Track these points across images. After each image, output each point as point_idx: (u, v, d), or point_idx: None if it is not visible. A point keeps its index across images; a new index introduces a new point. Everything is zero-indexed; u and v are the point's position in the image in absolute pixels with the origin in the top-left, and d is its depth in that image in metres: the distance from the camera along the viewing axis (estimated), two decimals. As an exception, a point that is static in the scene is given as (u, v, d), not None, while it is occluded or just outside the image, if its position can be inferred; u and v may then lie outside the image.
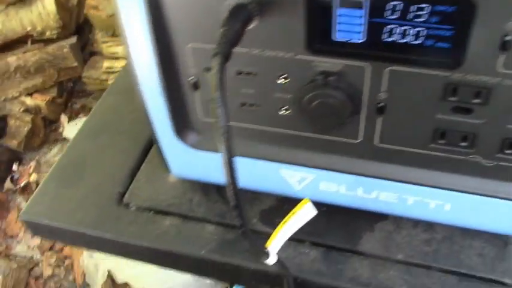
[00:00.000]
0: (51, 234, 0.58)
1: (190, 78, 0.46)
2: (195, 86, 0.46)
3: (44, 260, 1.62)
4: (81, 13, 2.10)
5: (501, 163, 0.44)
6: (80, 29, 2.12)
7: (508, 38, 0.35)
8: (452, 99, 0.40)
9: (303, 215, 0.45)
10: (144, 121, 0.50)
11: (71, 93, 2.11)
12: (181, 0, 0.40)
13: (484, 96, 0.39)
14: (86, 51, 2.16)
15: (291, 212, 0.45)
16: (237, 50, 0.39)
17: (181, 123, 0.49)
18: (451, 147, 0.44)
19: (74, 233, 0.55)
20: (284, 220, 0.45)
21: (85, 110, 2.08)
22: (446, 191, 0.46)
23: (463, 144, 0.43)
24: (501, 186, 0.45)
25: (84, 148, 0.63)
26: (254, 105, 0.46)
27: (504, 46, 0.36)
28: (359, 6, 0.37)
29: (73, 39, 1.99)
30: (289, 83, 0.43)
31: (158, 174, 0.59)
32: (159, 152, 0.53)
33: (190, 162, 0.52)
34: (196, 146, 0.51)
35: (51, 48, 1.96)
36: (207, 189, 0.57)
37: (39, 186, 0.60)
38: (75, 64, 1.99)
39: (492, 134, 0.42)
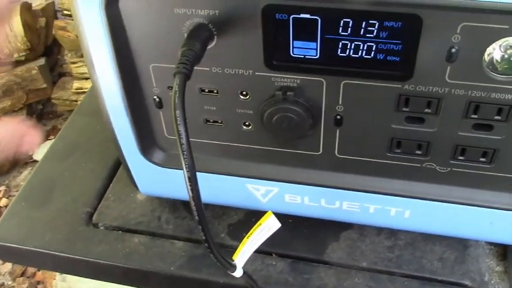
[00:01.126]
0: (20, 257, 0.58)
1: (154, 97, 0.47)
2: (159, 104, 0.47)
3: (15, 287, 1.59)
4: (49, 34, 2.09)
5: (454, 169, 0.46)
6: (49, 50, 2.11)
7: (453, 50, 0.37)
8: (405, 109, 0.42)
9: (267, 227, 0.46)
10: (111, 140, 0.51)
11: (40, 115, 2.09)
12: (143, 22, 0.41)
13: (434, 106, 0.41)
14: (55, 72, 2.15)
15: (256, 225, 0.47)
16: (199, 68, 0.41)
17: (147, 142, 0.50)
18: (407, 155, 0.46)
19: (43, 255, 0.55)
20: (249, 233, 0.46)
21: (55, 131, 2.06)
22: (405, 198, 0.48)
23: (418, 152, 0.45)
24: (456, 191, 0.47)
25: (52, 169, 0.63)
26: (217, 121, 0.47)
27: (450, 58, 0.38)
28: (313, 23, 0.39)
29: (42, 61, 1.98)
30: (251, 99, 0.45)
31: (126, 193, 0.60)
32: (127, 171, 0.54)
33: (158, 179, 0.53)
34: (162, 163, 0.51)
35: (19, 70, 1.95)
36: (175, 205, 0.58)
37: (7, 208, 0.60)
38: (45, 86, 1.98)
39: (444, 141, 0.44)
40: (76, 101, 1.97)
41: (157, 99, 0.47)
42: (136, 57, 0.44)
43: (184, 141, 0.37)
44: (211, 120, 0.48)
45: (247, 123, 0.47)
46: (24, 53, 1.93)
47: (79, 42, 0.44)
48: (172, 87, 0.37)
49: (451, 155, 0.45)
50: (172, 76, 0.38)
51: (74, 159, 0.64)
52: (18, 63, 1.96)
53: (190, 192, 0.38)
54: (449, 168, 0.46)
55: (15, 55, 1.94)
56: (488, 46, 0.37)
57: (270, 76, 0.43)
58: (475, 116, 0.41)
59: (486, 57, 0.38)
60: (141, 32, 0.42)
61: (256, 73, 0.43)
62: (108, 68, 0.44)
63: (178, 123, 0.37)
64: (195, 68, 0.39)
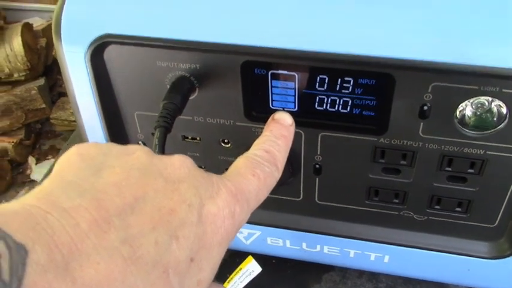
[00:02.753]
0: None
1: (139, 142, 0.48)
2: (144, 149, 0.48)
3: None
4: (49, 54, 2.11)
5: (431, 218, 0.46)
6: (49, 70, 2.13)
7: (425, 107, 0.39)
8: (382, 161, 0.43)
9: (248, 272, 0.47)
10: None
11: (39, 135, 2.11)
12: (127, 73, 0.43)
13: (409, 159, 0.42)
14: (55, 92, 2.17)
15: (236, 270, 0.47)
16: (181, 117, 0.42)
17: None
18: (385, 203, 0.46)
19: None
20: (229, 278, 0.47)
21: (53, 151, 2.08)
22: (384, 245, 0.49)
23: (396, 201, 0.46)
24: (433, 239, 0.48)
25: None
26: (200, 166, 0.48)
27: (423, 115, 0.39)
28: (291, 79, 0.40)
29: (41, 81, 2.01)
30: (232, 147, 0.46)
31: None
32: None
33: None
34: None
35: (18, 90, 1.97)
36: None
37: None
38: (43, 106, 2.00)
39: (421, 191, 0.45)
40: (74, 121, 1.99)
41: (142, 145, 0.48)
42: (121, 105, 0.45)
43: (162, 193, 0.38)
44: (194, 165, 0.49)
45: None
46: (24, 73, 1.96)
47: (65, 87, 0.45)
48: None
49: (427, 204, 0.45)
50: (155, 122, 0.39)
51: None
52: (17, 82, 1.98)
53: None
54: (426, 217, 0.47)
55: (15, 75, 1.96)
56: (460, 104, 0.38)
57: (251, 126, 0.44)
58: (449, 169, 0.42)
59: (458, 114, 0.39)
60: (125, 82, 0.44)
61: (237, 123, 0.44)
62: (94, 115, 0.45)
63: (156, 176, 0.38)
64: (178, 116, 0.40)
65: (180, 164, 0.31)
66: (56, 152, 2.07)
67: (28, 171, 1.99)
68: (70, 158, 0.30)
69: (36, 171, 1.97)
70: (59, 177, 0.28)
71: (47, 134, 2.13)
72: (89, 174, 0.28)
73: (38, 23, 2.16)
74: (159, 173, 0.29)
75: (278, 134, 0.38)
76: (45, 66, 2.10)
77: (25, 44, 1.92)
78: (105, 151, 0.30)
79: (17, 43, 1.91)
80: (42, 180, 0.65)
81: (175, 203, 0.28)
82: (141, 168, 0.29)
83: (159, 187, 0.28)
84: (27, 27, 1.99)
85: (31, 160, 2.01)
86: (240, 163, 0.35)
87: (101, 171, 0.28)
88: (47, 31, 2.12)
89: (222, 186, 0.31)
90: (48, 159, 2.03)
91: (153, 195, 0.28)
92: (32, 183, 1.94)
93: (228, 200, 0.31)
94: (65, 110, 2.04)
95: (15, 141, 1.94)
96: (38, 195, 0.26)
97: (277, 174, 0.36)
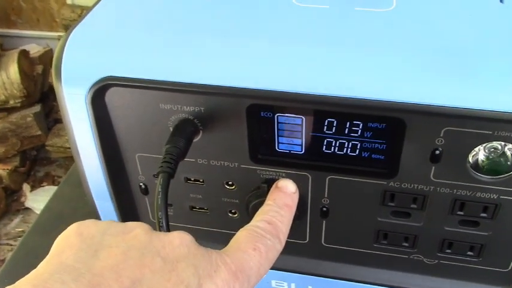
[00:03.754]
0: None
1: (140, 184, 0.47)
2: (145, 191, 0.47)
3: None
4: (45, 81, 2.11)
5: (442, 261, 0.45)
6: (45, 96, 2.12)
7: (437, 152, 0.38)
8: (391, 204, 0.42)
9: (253, 318, 0.45)
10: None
11: (34, 162, 2.09)
12: (128, 115, 0.42)
13: (420, 202, 0.41)
14: (51, 118, 2.16)
15: (241, 316, 0.46)
16: (184, 159, 0.40)
17: (132, 226, 0.50)
18: (394, 247, 0.45)
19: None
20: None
21: (49, 177, 2.06)
22: (393, 289, 0.47)
23: (405, 244, 0.45)
24: (444, 283, 0.46)
25: (37, 243, 0.62)
26: (203, 208, 0.47)
27: (434, 159, 0.38)
28: (297, 122, 0.39)
29: (37, 108, 1.99)
30: (236, 190, 0.44)
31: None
32: (111, 252, 0.53)
33: (143, 261, 0.52)
34: (147, 246, 0.51)
35: (14, 117, 1.95)
36: None
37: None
38: (39, 133, 1.98)
39: (431, 235, 0.43)
40: (70, 148, 1.97)
41: (143, 186, 0.47)
42: (122, 147, 0.44)
43: (166, 242, 0.36)
44: (197, 207, 0.47)
45: (233, 211, 0.47)
46: (20, 100, 1.95)
47: (65, 129, 0.44)
48: (157, 175, 0.37)
49: (438, 248, 0.44)
50: (158, 167, 0.38)
51: (60, 232, 0.63)
52: (13, 109, 1.97)
53: None
54: (436, 261, 0.45)
55: (11, 102, 1.95)
56: (472, 148, 0.37)
57: (256, 169, 0.42)
58: (461, 213, 0.41)
59: (470, 159, 0.38)
60: (127, 124, 0.42)
61: (242, 166, 0.43)
62: (94, 156, 0.44)
63: (160, 225, 0.36)
64: (181, 159, 0.39)
65: (179, 242, 0.31)
66: (51, 179, 2.05)
67: (22, 199, 1.96)
68: (69, 237, 0.30)
69: (31, 198, 1.94)
70: (56, 260, 0.28)
71: (42, 160, 2.11)
72: (87, 256, 0.28)
73: (34, 49, 2.16)
74: (157, 253, 0.29)
75: (281, 203, 0.38)
76: (42, 93, 2.09)
77: (21, 71, 1.91)
78: (104, 229, 0.31)
79: (13, 70, 1.90)
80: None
81: (173, 284, 0.28)
82: (139, 247, 0.29)
83: (157, 268, 0.28)
84: (24, 54, 1.99)
85: (26, 187, 1.98)
86: (241, 237, 0.34)
87: (99, 251, 0.28)
88: (43, 58, 2.11)
89: (222, 263, 0.31)
90: (43, 186, 2.01)
91: (150, 277, 0.28)
92: (27, 211, 1.92)
93: (227, 278, 0.30)
94: (60, 136, 2.02)
95: (10, 168, 1.92)
96: (33, 281, 0.26)
97: (279, 247, 0.35)
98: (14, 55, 1.94)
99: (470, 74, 0.35)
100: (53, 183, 2.02)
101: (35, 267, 0.59)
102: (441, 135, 0.37)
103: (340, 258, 0.47)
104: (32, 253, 0.61)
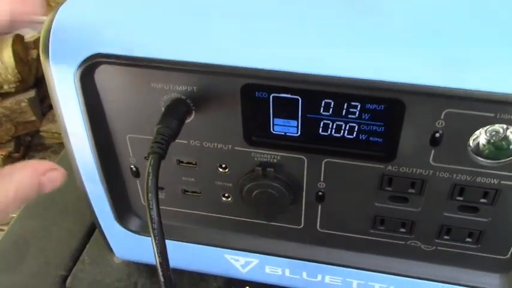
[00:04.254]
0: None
1: (131, 167, 0.45)
2: (136, 173, 0.46)
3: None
4: (40, 66, 2.08)
5: (440, 248, 0.44)
6: (39, 82, 2.10)
7: (437, 135, 0.36)
8: (389, 189, 0.41)
9: (245, 304, 0.45)
10: (86, 206, 0.49)
11: (28, 147, 2.07)
12: (119, 94, 0.40)
13: (418, 187, 0.40)
14: (45, 104, 2.13)
15: (233, 302, 0.45)
16: (176, 141, 0.39)
17: (123, 209, 0.49)
18: (391, 233, 0.44)
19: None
20: (227, 310, 0.44)
21: (43, 164, 2.04)
22: (389, 275, 0.46)
23: (402, 230, 0.44)
24: (441, 270, 0.45)
25: (26, 228, 0.61)
26: (196, 192, 0.46)
27: (434, 142, 0.37)
28: (293, 103, 0.38)
29: (32, 93, 1.97)
30: (230, 173, 0.43)
31: (103, 255, 0.58)
32: (102, 236, 0.52)
33: (134, 246, 0.51)
34: (139, 231, 0.50)
35: (8, 102, 1.93)
36: (152, 270, 0.56)
37: (-22, 271, 0.57)
38: (34, 118, 1.96)
39: (429, 221, 0.42)
40: (65, 134, 1.95)
41: (134, 169, 0.45)
42: (112, 128, 0.43)
43: (156, 225, 0.35)
44: (190, 191, 0.46)
45: (226, 194, 0.45)
46: (14, 85, 1.92)
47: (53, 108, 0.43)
48: (148, 157, 0.36)
49: (436, 234, 0.43)
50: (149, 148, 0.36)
51: (50, 217, 0.62)
52: (7, 94, 1.95)
53: (161, 278, 0.36)
54: (434, 247, 0.44)
55: (5, 87, 1.92)
56: (474, 131, 0.36)
57: (250, 151, 0.41)
58: (460, 198, 0.40)
59: (471, 142, 0.37)
60: (117, 104, 0.41)
61: (236, 148, 0.41)
62: (83, 137, 0.43)
63: (150, 207, 0.35)
64: (173, 140, 0.38)
65: None
66: (45, 165, 2.03)
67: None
68: None
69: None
70: None
71: (37, 146, 2.09)
72: None
73: (29, 34, 2.13)
74: None
75: None
76: (36, 78, 2.06)
77: (16, 56, 1.89)
78: None
79: (7, 55, 1.87)
80: None
81: None
82: None
83: None
84: (19, 38, 1.96)
85: (20, 173, 1.96)
86: None
87: None
88: (38, 43, 2.08)
89: None
90: (37, 172, 1.99)
91: None
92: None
93: None
94: (55, 122, 2.00)
95: (4, 154, 1.90)
96: None
97: None
98: (8, 40, 1.91)
99: (472, 54, 0.34)
100: (48, 169, 2.00)
101: (22, 253, 0.58)
102: (442, 117, 0.35)
103: (336, 244, 0.46)
104: (20, 239, 0.60)
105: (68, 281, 0.55)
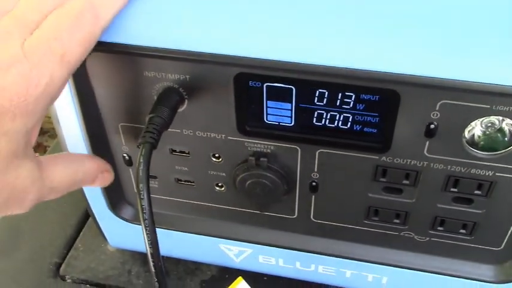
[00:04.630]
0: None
1: (123, 155, 0.45)
2: (129, 162, 0.45)
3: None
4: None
5: (433, 239, 0.44)
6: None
7: (432, 126, 0.36)
8: (383, 180, 0.41)
9: (238, 293, 0.44)
10: (79, 193, 0.49)
11: (25, 132, 2.05)
12: (111, 83, 0.40)
13: (413, 178, 0.40)
14: (42, 88, 2.12)
15: (226, 291, 0.45)
16: (169, 130, 0.39)
17: (116, 198, 0.48)
18: (385, 223, 0.44)
19: (5, 309, 0.53)
20: (219, 300, 0.44)
21: (40, 148, 2.03)
22: (382, 266, 0.46)
23: (396, 221, 0.43)
24: (435, 261, 0.45)
25: (20, 213, 0.61)
26: (189, 181, 0.46)
27: (429, 133, 0.36)
28: (287, 92, 0.37)
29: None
30: (223, 162, 0.43)
31: (97, 243, 0.57)
32: (96, 224, 0.52)
33: (127, 234, 0.51)
34: (132, 219, 0.49)
35: (4, 86, 1.92)
36: (146, 258, 0.55)
37: (-30, 258, 0.57)
38: (30, 102, 1.95)
39: (423, 212, 0.42)
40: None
41: (126, 157, 0.45)
42: (104, 116, 0.42)
43: (147, 216, 0.35)
44: (183, 180, 0.46)
45: (219, 184, 0.45)
46: (10, 69, 1.91)
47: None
48: (139, 146, 0.36)
49: (430, 226, 0.43)
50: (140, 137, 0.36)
51: (44, 203, 0.61)
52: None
53: (152, 268, 0.36)
54: (428, 238, 0.44)
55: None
56: (469, 123, 0.36)
57: (243, 141, 0.41)
58: (455, 190, 0.40)
59: (466, 134, 0.36)
60: (109, 92, 0.40)
61: (229, 137, 0.41)
62: (75, 126, 0.42)
63: (141, 197, 0.35)
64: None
65: None
66: (42, 149, 2.02)
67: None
68: None
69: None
70: None
71: (34, 131, 2.08)
72: None
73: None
74: None
75: None
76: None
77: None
78: None
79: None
80: None
81: None
82: None
83: None
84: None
85: (17, 158, 1.96)
86: None
87: None
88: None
89: None
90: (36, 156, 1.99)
91: None
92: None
93: None
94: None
95: (0, 138, 1.89)
96: None
97: None
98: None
99: (469, 44, 0.33)
100: (45, 153, 2.00)
101: (17, 238, 0.58)
102: (437, 108, 0.35)
103: (330, 234, 0.46)
104: (14, 224, 0.60)
105: (62, 268, 0.55)
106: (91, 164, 0.40)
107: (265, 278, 0.53)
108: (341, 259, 0.47)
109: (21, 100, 0.30)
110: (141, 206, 0.35)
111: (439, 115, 0.35)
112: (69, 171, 0.38)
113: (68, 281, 0.54)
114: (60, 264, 0.56)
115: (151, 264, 0.36)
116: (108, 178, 0.42)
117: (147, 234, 0.35)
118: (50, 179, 0.36)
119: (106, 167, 0.41)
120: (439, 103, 0.35)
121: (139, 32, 0.36)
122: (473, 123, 0.35)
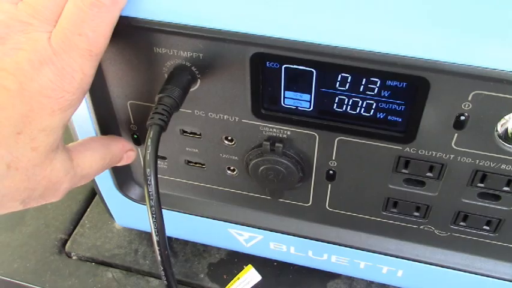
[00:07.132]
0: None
1: (132, 134, 0.43)
2: (137, 141, 0.43)
3: None
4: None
5: (454, 234, 0.42)
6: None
7: (462, 117, 0.33)
8: (405, 171, 0.38)
9: (246, 281, 0.43)
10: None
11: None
12: (119, 59, 0.37)
13: (437, 171, 0.37)
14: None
15: (235, 278, 0.43)
16: (180, 110, 0.36)
17: (124, 177, 0.47)
18: (404, 216, 0.42)
19: (9, 283, 0.52)
20: (228, 286, 0.43)
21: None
22: (398, 259, 0.44)
23: (416, 214, 0.41)
24: (455, 257, 0.43)
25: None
26: (200, 163, 0.44)
27: (458, 125, 0.34)
28: (307, 75, 0.35)
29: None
30: (236, 146, 0.41)
31: (104, 220, 0.56)
32: (103, 203, 0.50)
33: (134, 214, 0.49)
34: (139, 199, 0.48)
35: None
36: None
37: (-25, 230, 0.56)
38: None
39: (446, 206, 0.40)
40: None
41: (135, 136, 0.43)
42: (112, 94, 0.40)
43: (154, 202, 0.33)
44: (193, 162, 0.44)
45: (231, 168, 0.43)
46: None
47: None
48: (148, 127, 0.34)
49: (452, 220, 0.41)
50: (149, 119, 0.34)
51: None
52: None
53: (158, 257, 0.34)
54: (449, 233, 0.42)
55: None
56: (503, 116, 0.33)
57: (258, 125, 0.39)
58: (481, 185, 0.37)
59: (499, 127, 0.34)
60: (118, 69, 0.38)
61: (243, 120, 0.39)
62: (82, 103, 0.40)
63: (148, 183, 0.33)
64: (176, 109, 0.35)
65: None
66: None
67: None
68: None
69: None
70: None
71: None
72: None
73: None
74: None
75: None
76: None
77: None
78: None
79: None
80: None
81: None
82: None
83: None
84: None
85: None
86: None
87: None
88: None
89: None
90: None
91: None
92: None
93: None
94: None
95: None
96: None
97: None
98: None
99: (508, 32, 0.30)
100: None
101: (22, 213, 0.57)
102: (469, 99, 0.32)
103: (344, 224, 0.44)
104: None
105: (68, 245, 0.54)
106: (116, 146, 0.40)
107: (275, 264, 0.52)
108: (355, 250, 0.45)
109: (59, 96, 0.31)
110: (148, 192, 0.33)
111: (470, 106, 0.33)
112: (97, 157, 0.38)
113: (74, 258, 0.53)
114: (66, 241, 0.55)
115: (158, 252, 0.34)
116: (132, 156, 0.42)
117: (153, 221, 0.33)
118: (81, 167, 0.36)
119: (130, 146, 0.41)
120: (471, 93, 0.32)
121: (150, 6, 0.34)
122: (507, 117, 0.33)
